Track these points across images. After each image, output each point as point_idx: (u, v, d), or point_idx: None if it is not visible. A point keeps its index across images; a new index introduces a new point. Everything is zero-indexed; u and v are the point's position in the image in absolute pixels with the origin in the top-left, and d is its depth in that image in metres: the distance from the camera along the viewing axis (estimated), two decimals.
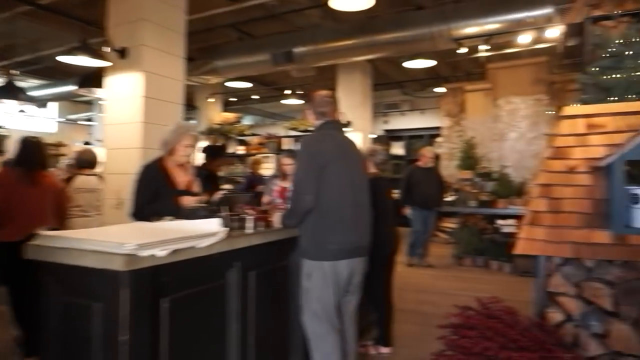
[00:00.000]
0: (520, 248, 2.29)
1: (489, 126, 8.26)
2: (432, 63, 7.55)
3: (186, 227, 2.32)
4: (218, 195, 2.73)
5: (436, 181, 6.48)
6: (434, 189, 6.39)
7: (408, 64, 7.73)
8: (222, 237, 2.22)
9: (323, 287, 2.60)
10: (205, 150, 4.40)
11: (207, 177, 4.11)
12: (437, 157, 6.65)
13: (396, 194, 7.21)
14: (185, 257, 2.07)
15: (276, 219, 2.77)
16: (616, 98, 2.85)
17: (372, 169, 3.57)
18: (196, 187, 3.07)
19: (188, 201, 2.81)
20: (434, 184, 6.41)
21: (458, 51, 6.61)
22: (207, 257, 2.23)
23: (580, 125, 2.42)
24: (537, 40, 6.51)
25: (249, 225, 2.61)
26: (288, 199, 3.09)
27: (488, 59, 7.89)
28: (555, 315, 2.29)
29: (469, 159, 7.39)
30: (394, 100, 13.25)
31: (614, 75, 2.99)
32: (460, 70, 10.21)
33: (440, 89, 9.66)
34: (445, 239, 8.61)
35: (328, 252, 2.59)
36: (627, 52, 3.06)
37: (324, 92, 2.78)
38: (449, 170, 8.56)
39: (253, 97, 12.55)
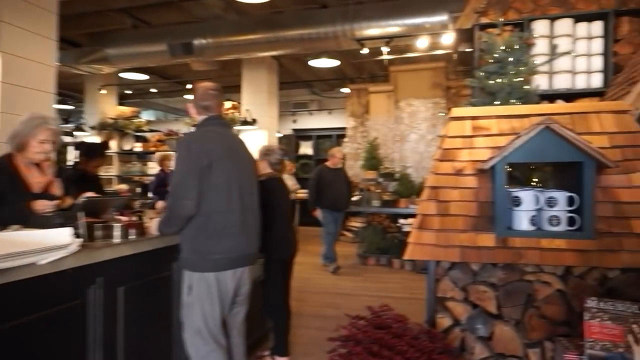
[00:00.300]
0: (410, 253, 2.23)
1: (391, 127, 8.48)
2: (336, 63, 7.55)
3: (32, 238, 1.91)
4: (81, 198, 2.33)
5: (345, 182, 6.46)
6: (343, 190, 6.35)
7: (314, 63, 7.66)
8: (73, 249, 1.86)
9: (206, 301, 2.34)
10: (80, 147, 3.88)
11: (81, 178, 3.62)
12: (343, 158, 6.63)
13: (304, 194, 7.12)
14: (21, 277, 1.70)
15: (154, 225, 2.44)
16: (499, 102, 2.94)
17: (267, 169, 3.36)
18: (56, 190, 2.63)
19: (42, 206, 2.37)
20: (343, 185, 6.37)
21: (361, 52, 6.65)
22: (56, 274, 1.86)
23: (467, 127, 2.42)
24: (434, 46, 6.77)
25: (116, 233, 2.26)
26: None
27: (391, 61, 8.09)
28: (444, 321, 2.26)
29: (373, 160, 7.51)
30: (303, 100, 13.21)
31: (498, 80, 3.10)
32: (365, 72, 10.42)
33: (346, 90, 9.76)
34: (351, 238, 8.70)
35: (211, 263, 2.33)
36: (509, 59, 3.19)
37: (208, 84, 2.51)
38: (354, 170, 8.65)
39: (152, 90, 11.74)
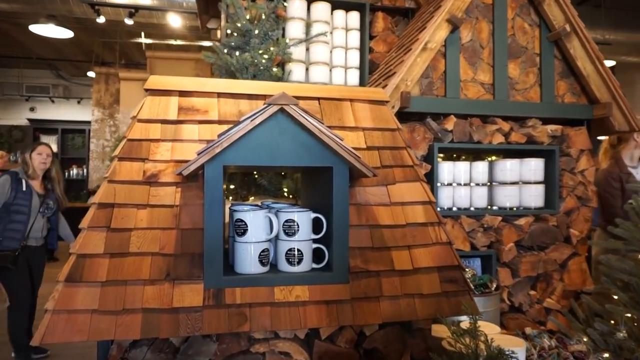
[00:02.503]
0: (47, 332, 1.16)
1: None
2: (69, 34, 5.83)
3: None
4: None
5: None
6: None
7: (36, 29, 5.76)
8: None
9: None
10: None
11: None
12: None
13: None
14: None
15: None
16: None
17: None
18: None
19: None
20: None
21: (98, 20, 5.19)
22: None
23: (171, 107, 1.51)
24: (194, 28, 5.81)
25: None
26: None
27: (149, 46, 6.80)
28: None
29: None
30: (43, 83, 10.54)
31: (238, 54, 2.32)
32: (124, 57, 8.76)
33: (91, 74, 7.94)
34: None
35: None
36: (255, 31, 2.46)
37: None
38: (100, 172, 6.98)
39: None
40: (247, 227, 1.36)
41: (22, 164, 3.34)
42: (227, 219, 1.50)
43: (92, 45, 7.92)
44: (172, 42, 7.33)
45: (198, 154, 1.26)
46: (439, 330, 1.71)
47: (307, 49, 3.01)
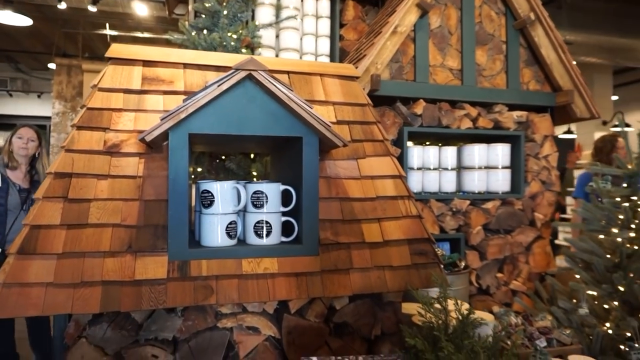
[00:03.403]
0: None
1: None
2: (28, 22, 5.57)
3: None
4: None
5: None
6: None
7: None
8: None
9: None
10: None
11: None
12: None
13: None
14: None
15: None
16: None
17: None
18: None
19: None
20: None
21: (59, 6, 4.99)
22: None
23: (134, 77, 1.44)
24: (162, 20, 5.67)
25: None
26: None
27: (114, 39, 6.59)
28: None
29: None
30: (1, 76, 10.09)
31: (206, 33, 2.27)
32: (87, 50, 8.47)
33: (52, 65, 7.63)
34: None
35: None
36: (224, 12, 2.41)
37: None
38: None
39: None
40: (213, 198, 1.32)
41: (2, 153, 2.78)
42: (193, 202, 1.45)
43: (52, 36, 7.61)
44: (139, 34, 7.13)
45: (162, 120, 1.21)
46: (409, 309, 1.71)
47: (277, 36, 2.98)
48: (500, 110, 2.67)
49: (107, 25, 6.99)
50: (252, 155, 2.36)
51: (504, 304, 2.57)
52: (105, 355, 1.25)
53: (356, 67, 2.38)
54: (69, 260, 1.18)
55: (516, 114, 2.69)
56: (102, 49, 8.32)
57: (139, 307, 1.18)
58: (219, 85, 1.23)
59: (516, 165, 2.71)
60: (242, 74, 1.25)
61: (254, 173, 2.35)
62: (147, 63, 1.49)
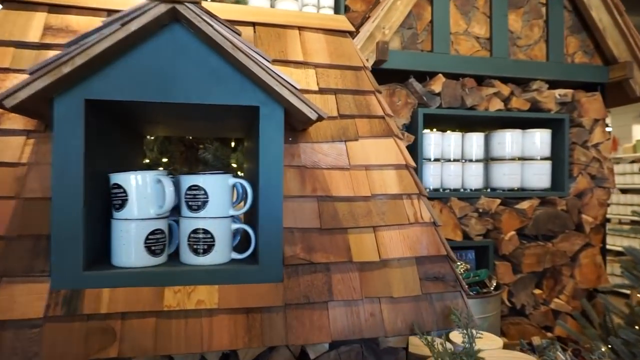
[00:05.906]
0: None
1: None
2: None
3: None
4: None
5: None
6: None
7: None
8: None
9: None
10: None
11: None
12: None
13: None
14: None
15: None
16: None
17: None
18: None
19: None
20: None
21: None
22: None
23: (34, 27, 1.04)
24: None
25: None
26: None
27: None
28: None
29: None
30: None
31: None
32: None
33: None
34: None
35: None
36: None
37: None
38: None
39: None
40: (126, 196, 0.90)
41: None
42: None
43: None
44: None
45: (31, 73, 0.79)
46: (421, 345, 1.28)
47: None
48: (539, 88, 2.30)
49: None
50: (232, 144, 1.96)
51: (543, 327, 2.14)
52: None
53: (357, 34, 1.95)
54: None
55: (559, 92, 2.32)
56: None
57: None
58: (122, 25, 0.81)
59: (559, 156, 2.35)
60: (161, 9, 0.82)
61: (234, 165, 1.95)
62: (54, 8, 1.09)
